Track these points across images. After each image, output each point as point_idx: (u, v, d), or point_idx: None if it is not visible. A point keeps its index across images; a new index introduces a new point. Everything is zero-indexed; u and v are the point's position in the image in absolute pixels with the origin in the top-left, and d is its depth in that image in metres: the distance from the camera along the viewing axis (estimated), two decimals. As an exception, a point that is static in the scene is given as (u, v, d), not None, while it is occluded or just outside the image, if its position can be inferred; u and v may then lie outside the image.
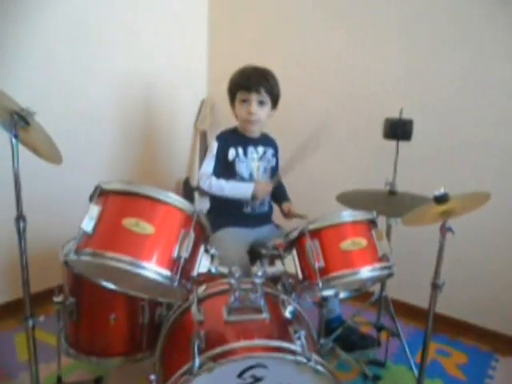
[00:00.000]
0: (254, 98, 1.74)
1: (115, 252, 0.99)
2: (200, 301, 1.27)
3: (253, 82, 1.74)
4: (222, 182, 1.76)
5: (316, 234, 1.16)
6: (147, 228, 1.03)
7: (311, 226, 1.16)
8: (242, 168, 1.82)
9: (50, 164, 1.32)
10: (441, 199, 1.20)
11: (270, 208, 1.91)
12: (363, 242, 1.15)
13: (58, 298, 1.47)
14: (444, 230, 1.23)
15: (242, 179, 1.82)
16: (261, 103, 1.77)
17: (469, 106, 2.00)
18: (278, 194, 1.93)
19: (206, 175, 1.77)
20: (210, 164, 1.80)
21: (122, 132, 2.41)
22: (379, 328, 1.82)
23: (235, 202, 1.81)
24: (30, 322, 1.31)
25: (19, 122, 1.19)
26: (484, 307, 2.05)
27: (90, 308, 1.46)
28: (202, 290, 1.32)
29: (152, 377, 1.30)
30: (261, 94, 1.75)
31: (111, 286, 1.24)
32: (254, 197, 1.75)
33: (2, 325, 2.00)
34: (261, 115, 1.78)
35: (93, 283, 1.35)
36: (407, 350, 1.68)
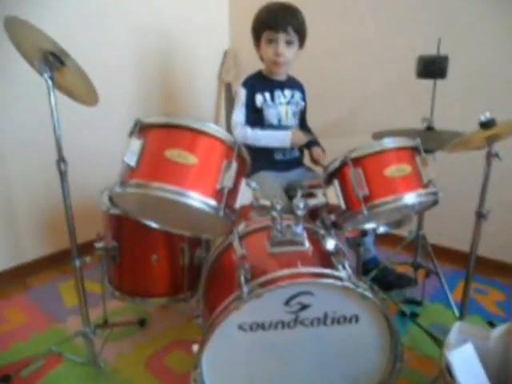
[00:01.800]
0: (281, 37, 1.67)
1: (160, 182, 1.00)
2: (240, 238, 1.28)
3: (280, 21, 1.65)
4: (258, 132, 1.73)
5: (359, 162, 1.13)
6: (190, 158, 1.02)
7: (354, 154, 1.13)
8: (270, 113, 1.78)
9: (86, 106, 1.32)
10: (487, 124, 1.16)
11: (301, 152, 1.88)
12: (407, 168, 1.12)
13: (99, 244, 1.50)
14: (490, 155, 1.19)
15: (271, 125, 1.78)
16: (288, 43, 1.69)
17: (504, 39, 1.89)
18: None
19: (239, 125, 1.73)
20: (241, 112, 1.76)
21: (144, 86, 2.39)
22: (416, 267, 1.82)
23: (266, 150, 1.79)
24: (77, 262, 1.36)
25: (54, 62, 1.19)
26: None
27: (132, 251, 1.49)
28: (242, 227, 1.34)
29: (196, 312, 1.35)
30: (289, 33, 1.67)
31: (153, 224, 1.26)
32: (291, 145, 1.73)
33: (47, 276, 2.08)
34: (289, 56, 1.71)
35: (134, 226, 1.38)
36: (445, 286, 1.68)
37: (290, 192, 1.70)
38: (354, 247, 1.61)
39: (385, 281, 1.84)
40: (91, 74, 1.23)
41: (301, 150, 1.90)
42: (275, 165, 1.81)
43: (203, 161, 1.04)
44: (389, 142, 1.14)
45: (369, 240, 1.85)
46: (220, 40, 2.74)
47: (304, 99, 1.91)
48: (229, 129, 1.88)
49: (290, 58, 1.74)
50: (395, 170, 1.11)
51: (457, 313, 1.57)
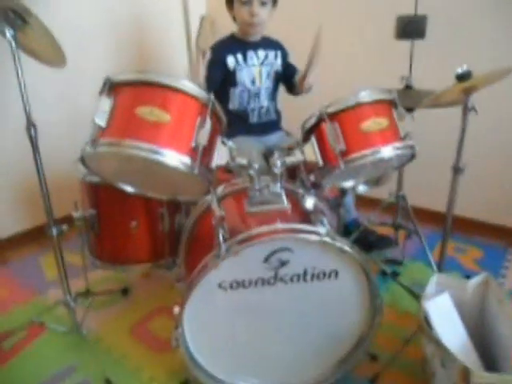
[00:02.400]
0: None
1: (133, 140, 0.97)
2: (219, 200, 1.27)
3: None
4: None
5: (335, 116, 1.12)
6: (162, 116, 1.00)
7: (330, 109, 1.12)
8: (243, 75, 1.74)
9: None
10: (463, 76, 1.16)
11: (278, 115, 1.86)
12: (384, 121, 1.11)
13: (77, 214, 1.47)
14: (466, 109, 1.19)
15: (245, 87, 1.75)
16: (262, 3, 1.65)
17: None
18: (290, 79, 1.81)
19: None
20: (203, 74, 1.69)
21: (117, 53, 2.31)
22: (397, 227, 1.84)
23: (240, 114, 1.77)
24: (54, 231, 1.33)
25: (16, 20, 1.13)
26: (499, 205, 2.05)
27: (111, 218, 1.47)
28: (220, 189, 1.32)
29: (178, 277, 1.35)
30: None
31: (129, 187, 1.24)
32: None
33: (26, 250, 2.05)
34: (263, 16, 1.67)
35: (111, 193, 1.36)
36: (425, 245, 1.70)
37: (268, 155, 1.68)
38: (335, 208, 1.62)
39: (366, 242, 1.86)
40: (59, 34, 1.18)
41: (277, 111, 1.86)
42: (251, 129, 1.78)
43: (176, 118, 1.01)
44: (364, 96, 1.13)
45: (349, 201, 1.85)
46: (196, 5, 2.65)
47: (282, 58, 1.83)
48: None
49: (265, 18, 1.69)
50: (372, 123, 1.10)
51: (436, 270, 1.60)
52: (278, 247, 1.05)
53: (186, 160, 1.01)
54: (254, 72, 1.75)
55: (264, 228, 1.06)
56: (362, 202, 2.04)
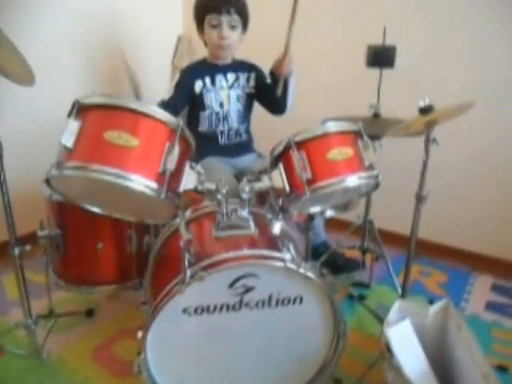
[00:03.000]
0: (225, 20, 1.65)
1: (100, 164, 0.96)
2: (187, 223, 1.27)
3: (222, 3, 1.64)
4: None
5: (302, 145, 1.14)
6: (131, 140, 1.00)
7: (297, 138, 1.15)
8: (210, 99, 1.75)
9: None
10: (425, 110, 1.21)
11: (249, 136, 1.87)
12: (350, 151, 1.15)
13: (42, 232, 1.44)
14: (428, 140, 1.24)
15: (213, 110, 1.76)
16: (232, 27, 1.68)
17: (452, 28, 1.97)
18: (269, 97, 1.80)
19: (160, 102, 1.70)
20: (168, 94, 1.72)
21: (90, 71, 2.29)
22: (364, 250, 1.88)
23: (209, 136, 1.78)
24: (16, 250, 1.30)
25: (-15, 38, 1.12)
26: (463, 230, 2.12)
27: (77, 238, 1.44)
28: (188, 212, 1.33)
29: (143, 299, 1.33)
30: (232, 16, 1.65)
31: (95, 209, 1.23)
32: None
33: (-13, 268, 1.98)
34: (233, 39, 1.70)
35: (78, 212, 1.33)
36: (391, 268, 1.74)
37: (239, 178, 1.69)
38: (304, 232, 1.64)
39: (334, 265, 1.89)
40: (30, 52, 1.17)
41: (249, 132, 1.88)
42: (222, 150, 1.79)
43: (145, 143, 1.01)
44: (331, 126, 1.16)
45: (319, 225, 1.88)
46: (173, 25, 2.68)
47: (256, 80, 1.83)
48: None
49: (234, 42, 1.72)
50: (337, 153, 1.13)
51: (400, 294, 1.63)
52: (243, 273, 1.06)
53: (153, 185, 1.01)
54: (221, 95, 1.77)
55: (230, 254, 1.06)
56: (331, 224, 2.07)
